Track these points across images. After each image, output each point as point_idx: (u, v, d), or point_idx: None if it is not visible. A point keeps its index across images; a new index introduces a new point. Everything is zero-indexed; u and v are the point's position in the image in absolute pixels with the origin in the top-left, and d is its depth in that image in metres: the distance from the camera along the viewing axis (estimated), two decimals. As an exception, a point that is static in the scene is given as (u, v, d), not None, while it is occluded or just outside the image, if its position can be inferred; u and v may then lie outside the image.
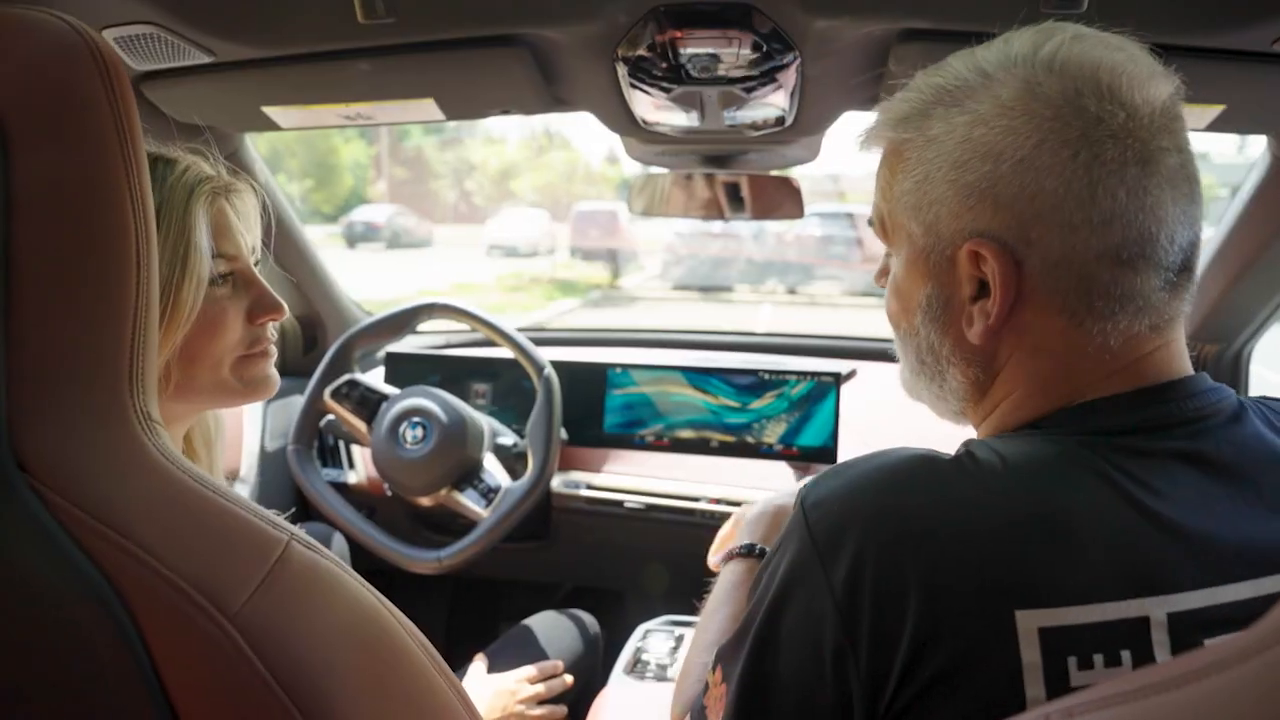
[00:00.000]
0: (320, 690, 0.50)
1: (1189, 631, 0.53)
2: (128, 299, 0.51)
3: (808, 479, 0.64)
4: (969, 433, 1.20)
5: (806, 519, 0.60)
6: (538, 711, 1.37)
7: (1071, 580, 0.53)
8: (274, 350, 0.89)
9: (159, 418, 0.55)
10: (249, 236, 0.86)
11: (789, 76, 1.11)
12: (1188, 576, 0.54)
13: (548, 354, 1.71)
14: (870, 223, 0.73)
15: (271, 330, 0.88)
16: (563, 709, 1.42)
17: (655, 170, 1.66)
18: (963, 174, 0.61)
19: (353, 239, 19.54)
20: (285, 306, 0.87)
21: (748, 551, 0.93)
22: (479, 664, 1.46)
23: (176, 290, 0.76)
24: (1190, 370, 0.63)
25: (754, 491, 1.71)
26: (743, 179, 1.60)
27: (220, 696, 0.49)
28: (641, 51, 1.06)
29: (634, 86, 1.13)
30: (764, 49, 1.04)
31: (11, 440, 0.47)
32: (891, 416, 1.82)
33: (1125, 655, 0.52)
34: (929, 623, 0.53)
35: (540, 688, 1.39)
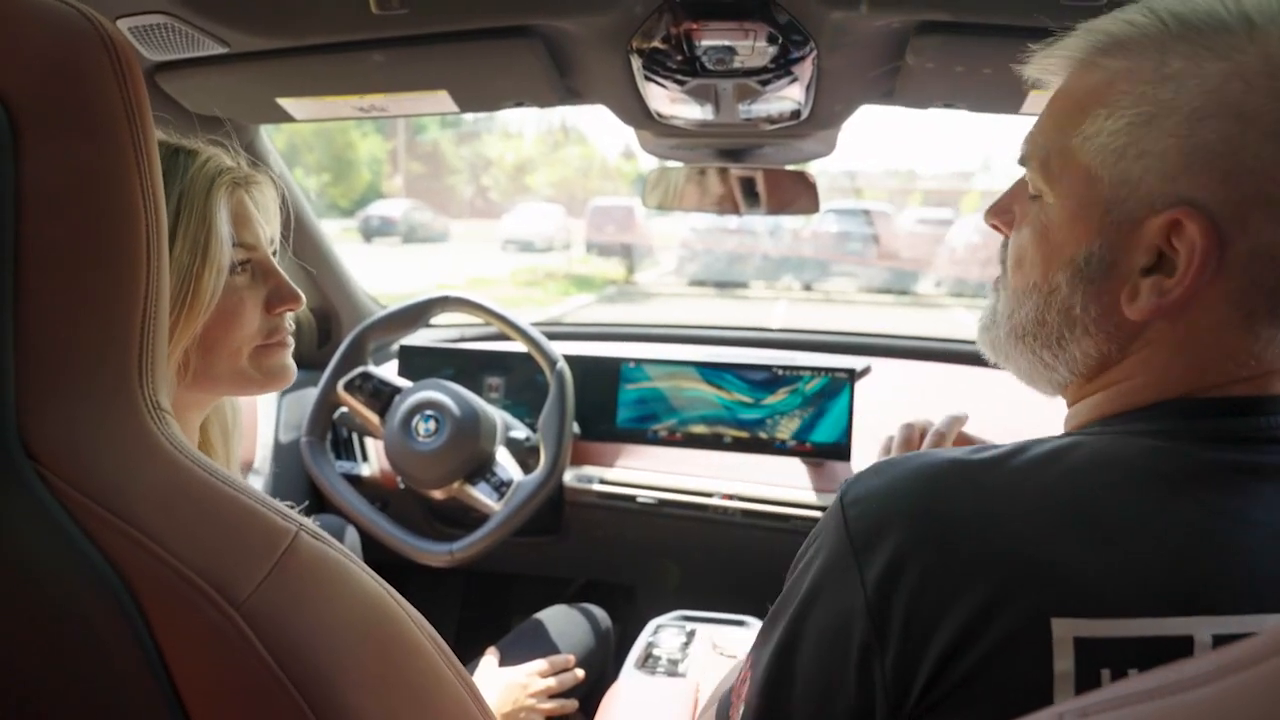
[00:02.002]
0: (327, 681, 0.50)
1: None
2: (138, 288, 0.50)
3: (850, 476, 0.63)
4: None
5: (845, 515, 0.59)
6: (549, 705, 1.37)
7: (1115, 592, 0.51)
8: (291, 341, 0.89)
9: (168, 407, 0.54)
10: (268, 228, 0.87)
11: (805, 69, 1.10)
12: (1243, 599, 0.51)
13: (561, 348, 1.70)
14: (1022, 159, 0.64)
15: (289, 321, 0.89)
16: (574, 703, 1.42)
17: (670, 164, 1.65)
18: (1197, 128, 0.52)
19: (369, 233, 19.62)
20: (303, 297, 0.87)
21: None
22: (490, 658, 1.46)
23: (197, 279, 0.76)
24: None
25: (767, 487, 1.70)
26: (757, 173, 1.59)
27: (226, 686, 0.49)
28: (656, 44, 1.06)
29: (648, 79, 1.13)
30: (780, 41, 1.04)
31: (19, 427, 0.47)
32: (906, 414, 1.81)
33: None
34: (963, 628, 0.52)
35: (552, 681, 1.39)
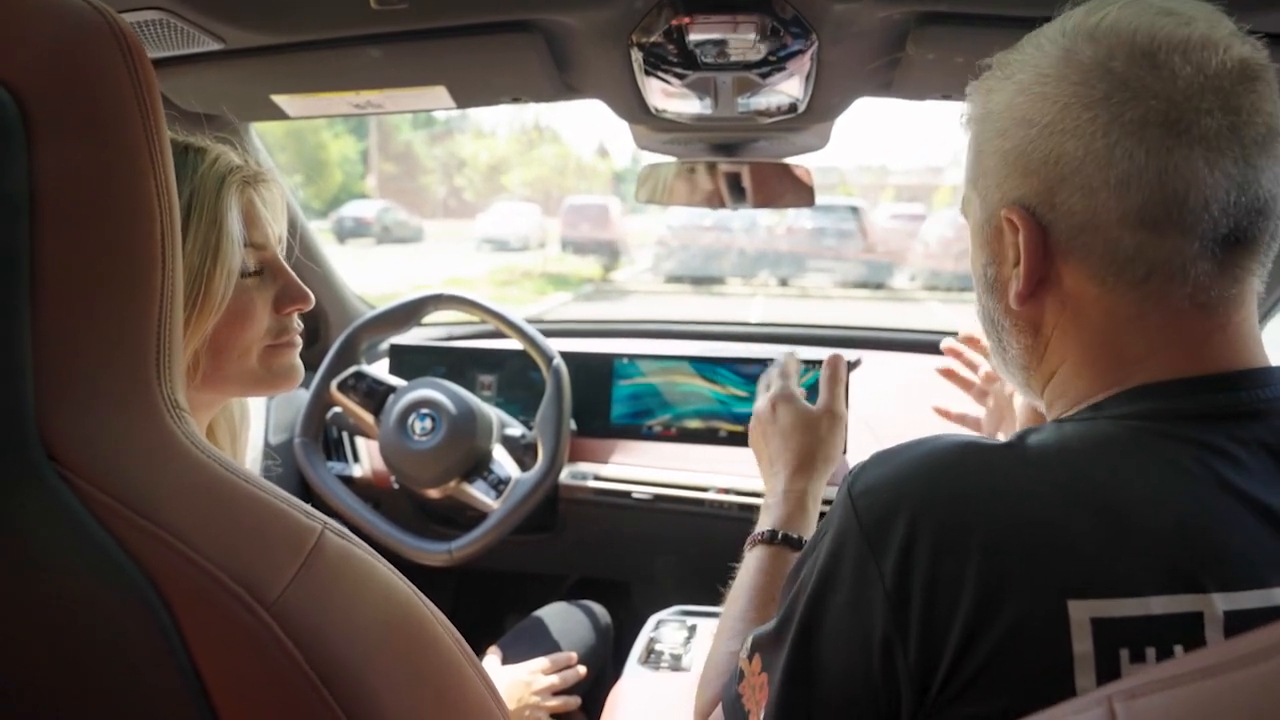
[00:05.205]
0: (357, 680, 0.50)
1: (1245, 629, 0.52)
2: (154, 285, 0.49)
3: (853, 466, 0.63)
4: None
5: (854, 506, 0.59)
6: (552, 703, 1.37)
7: (1127, 571, 0.52)
8: (299, 341, 0.88)
9: (186, 405, 0.54)
10: (276, 226, 0.86)
11: (803, 62, 1.10)
12: (1246, 574, 0.53)
13: (552, 345, 1.70)
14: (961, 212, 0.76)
15: (297, 321, 0.88)
16: (576, 700, 1.42)
17: (658, 159, 1.64)
18: (1003, 142, 0.63)
19: (342, 234, 19.46)
20: (312, 296, 0.86)
21: (770, 538, 0.93)
22: (492, 656, 1.46)
23: (208, 280, 0.76)
24: (1266, 361, 0.61)
25: (761, 482, 1.70)
26: (748, 168, 1.59)
27: (257, 686, 0.48)
28: (656, 38, 1.05)
29: (648, 73, 1.12)
30: (780, 33, 1.04)
31: (40, 429, 0.46)
32: (897, 406, 1.82)
33: (1179, 650, 0.51)
34: (980, 612, 0.52)
35: (555, 679, 1.39)
